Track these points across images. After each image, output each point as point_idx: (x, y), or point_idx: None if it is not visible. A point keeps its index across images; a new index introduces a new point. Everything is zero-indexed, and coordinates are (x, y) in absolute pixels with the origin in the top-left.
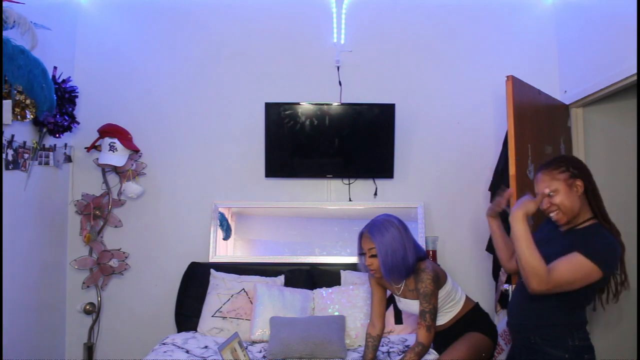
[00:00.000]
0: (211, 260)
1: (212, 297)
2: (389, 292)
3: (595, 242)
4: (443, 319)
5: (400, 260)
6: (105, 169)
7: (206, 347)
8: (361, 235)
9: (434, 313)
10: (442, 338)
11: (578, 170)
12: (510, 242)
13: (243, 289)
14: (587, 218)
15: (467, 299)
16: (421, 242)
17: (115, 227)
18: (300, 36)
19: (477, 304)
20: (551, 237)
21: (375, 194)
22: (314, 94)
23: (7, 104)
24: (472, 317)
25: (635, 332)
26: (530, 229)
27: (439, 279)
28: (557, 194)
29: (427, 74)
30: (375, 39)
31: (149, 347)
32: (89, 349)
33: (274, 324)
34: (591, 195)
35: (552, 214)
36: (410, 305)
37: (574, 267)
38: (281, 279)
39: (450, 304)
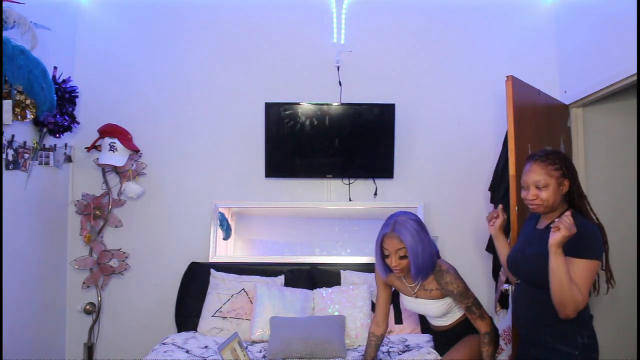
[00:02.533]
0: (211, 260)
1: (212, 297)
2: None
3: (580, 235)
4: (448, 320)
5: (428, 257)
6: (105, 169)
7: (206, 347)
8: (383, 237)
9: (477, 303)
10: (444, 339)
11: (568, 171)
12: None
13: (243, 289)
14: (562, 211)
15: None
16: None
17: (115, 227)
18: (300, 36)
19: None
20: (533, 237)
21: (375, 194)
22: (314, 94)
23: (7, 104)
24: None
25: (635, 330)
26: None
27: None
28: (547, 190)
29: (427, 74)
30: (375, 39)
31: (149, 347)
32: (89, 349)
33: (274, 324)
34: (577, 196)
35: (532, 205)
36: (422, 305)
37: (583, 275)
38: (281, 279)
39: (456, 309)
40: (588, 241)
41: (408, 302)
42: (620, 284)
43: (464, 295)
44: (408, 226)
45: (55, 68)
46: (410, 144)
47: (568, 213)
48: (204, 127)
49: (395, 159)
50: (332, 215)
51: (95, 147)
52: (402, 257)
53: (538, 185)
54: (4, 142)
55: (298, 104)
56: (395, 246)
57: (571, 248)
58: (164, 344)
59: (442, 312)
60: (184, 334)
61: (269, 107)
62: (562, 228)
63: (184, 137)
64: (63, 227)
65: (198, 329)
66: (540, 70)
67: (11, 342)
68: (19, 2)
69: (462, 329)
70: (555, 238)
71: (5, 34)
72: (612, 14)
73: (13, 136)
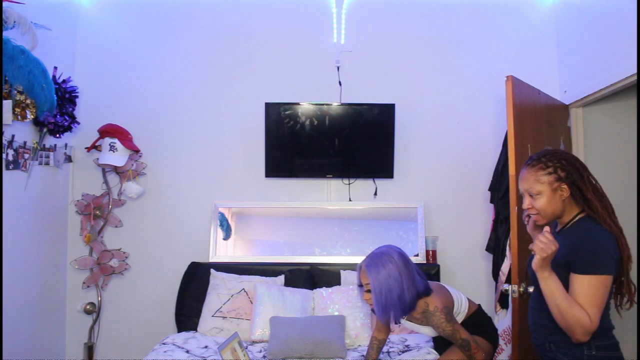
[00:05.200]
0: (211, 260)
1: (212, 297)
2: None
3: (582, 248)
4: None
5: (396, 300)
6: (105, 169)
7: (206, 347)
8: (360, 268)
9: (466, 344)
10: (444, 339)
11: (566, 173)
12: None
13: (243, 288)
14: (574, 215)
15: (470, 303)
16: (421, 242)
17: (116, 227)
18: (300, 36)
19: (479, 307)
20: None
21: (375, 194)
22: (314, 94)
23: (8, 104)
24: (476, 320)
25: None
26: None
27: (450, 310)
28: (539, 198)
29: (427, 74)
30: (375, 39)
31: (149, 347)
32: (89, 349)
33: (274, 324)
34: (580, 200)
35: (531, 216)
36: (413, 327)
37: (588, 292)
38: (281, 279)
39: (457, 317)
40: (590, 254)
41: (402, 321)
42: None
43: (454, 337)
44: (379, 263)
45: (55, 68)
46: (410, 144)
47: (547, 229)
48: (204, 127)
49: (395, 159)
50: (332, 215)
51: (95, 147)
52: (369, 292)
53: (530, 193)
54: (4, 142)
55: (298, 104)
56: (364, 280)
57: (572, 264)
58: (164, 343)
59: (436, 333)
60: (184, 334)
61: (269, 107)
62: (537, 250)
63: (184, 137)
64: (63, 227)
65: (198, 329)
66: (540, 70)
67: (11, 342)
68: (19, 2)
69: None
70: (534, 263)
71: (5, 34)
72: (612, 14)
73: (13, 136)
